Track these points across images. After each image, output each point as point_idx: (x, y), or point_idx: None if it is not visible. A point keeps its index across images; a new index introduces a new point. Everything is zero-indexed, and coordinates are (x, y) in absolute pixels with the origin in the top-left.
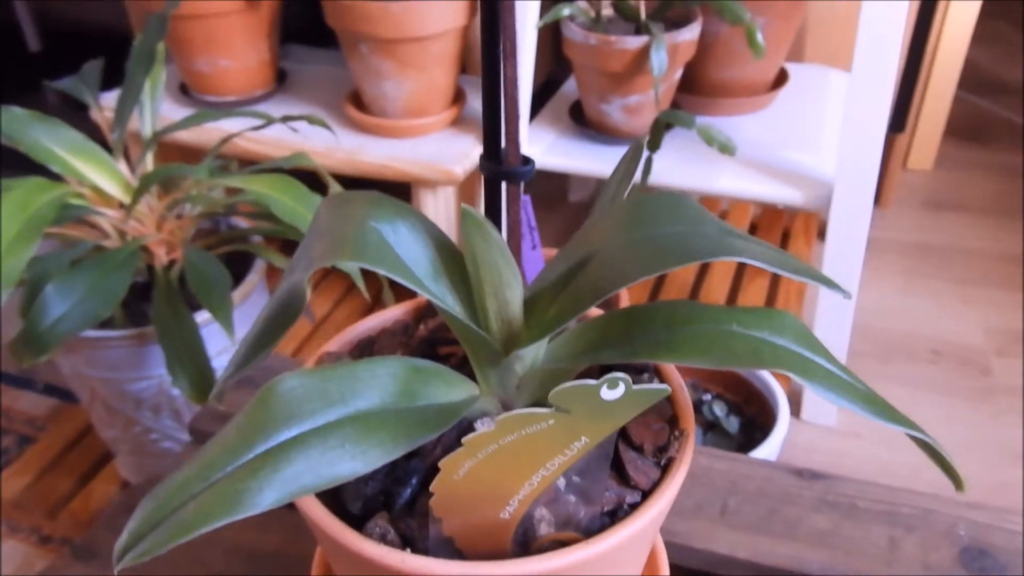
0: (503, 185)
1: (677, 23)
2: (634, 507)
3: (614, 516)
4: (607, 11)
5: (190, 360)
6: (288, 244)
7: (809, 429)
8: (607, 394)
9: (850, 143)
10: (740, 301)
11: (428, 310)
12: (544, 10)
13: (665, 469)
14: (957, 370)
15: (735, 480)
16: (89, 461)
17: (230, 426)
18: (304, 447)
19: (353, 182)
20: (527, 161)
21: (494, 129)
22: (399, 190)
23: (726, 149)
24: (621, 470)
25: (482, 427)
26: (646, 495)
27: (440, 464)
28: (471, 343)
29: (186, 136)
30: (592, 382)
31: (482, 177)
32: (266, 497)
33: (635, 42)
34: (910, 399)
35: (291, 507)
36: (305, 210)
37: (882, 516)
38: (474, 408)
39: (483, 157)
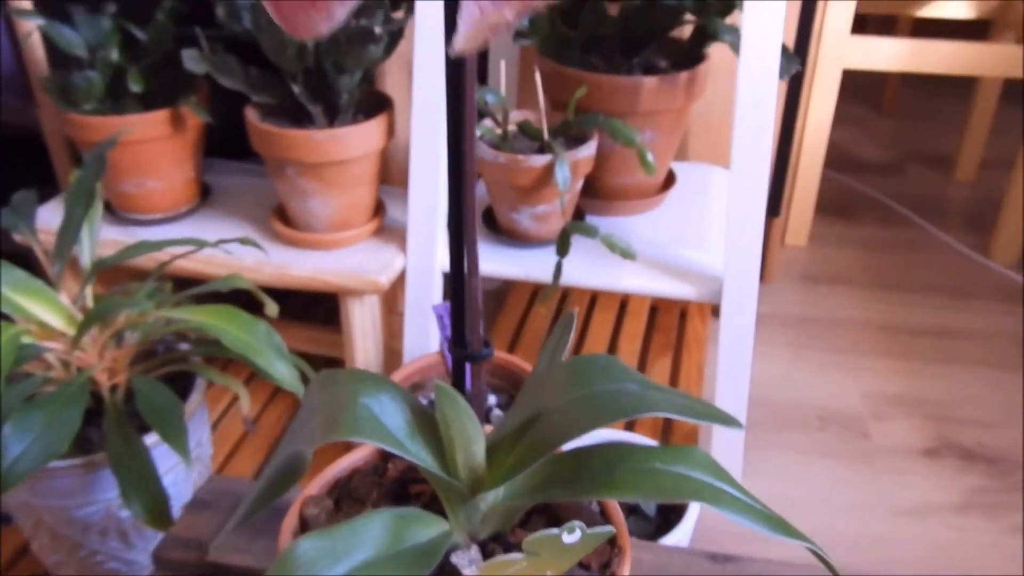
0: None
1: (577, 140)
2: None
3: None
4: (512, 127)
5: (143, 486)
6: (228, 363)
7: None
8: (567, 539)
9: (734, 241)
10: (648, 371)
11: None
12: None
13: None
14: (840, 435)
15: (659, 568)
16: None
17: None
18: None
19: (283, 294)
20: (487, 344)
21: (460, 322)
22: (327, 299)
23: (627, 255)
24: None
25: (468, 572)
26: None
27: None
28: (444, 489)
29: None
30: (555, 531)
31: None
32: None
33: (540, 160)
34: (802, 464)
35: None
36: (252, 339)
37: None
38: (449, 542)
39: (452, 342)
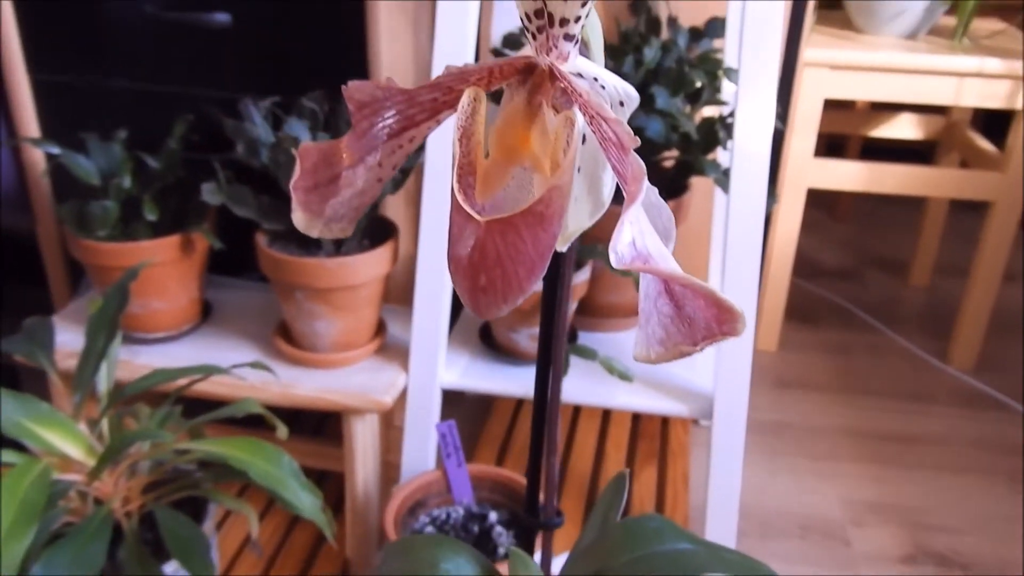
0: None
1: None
2: None
3: None
4: None
5: None
6: (244, 488)
7: None
8: None
9: (724, 361)
10: (635, 481)
11: None
12: None
13: None
14: (821, 543)
15: None
16: None
17: None
18: None
19: (289, 412)
20: (559, 513)
21: (534, 493)
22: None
23: (624, 377)
24: None
25: None
26: None
27: None
28: None
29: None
30: None
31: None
32: None
33: (539, 285)
34: (789, 573)
35: None
36: (277, 471)
37: None
38: None
39: (525, 510)
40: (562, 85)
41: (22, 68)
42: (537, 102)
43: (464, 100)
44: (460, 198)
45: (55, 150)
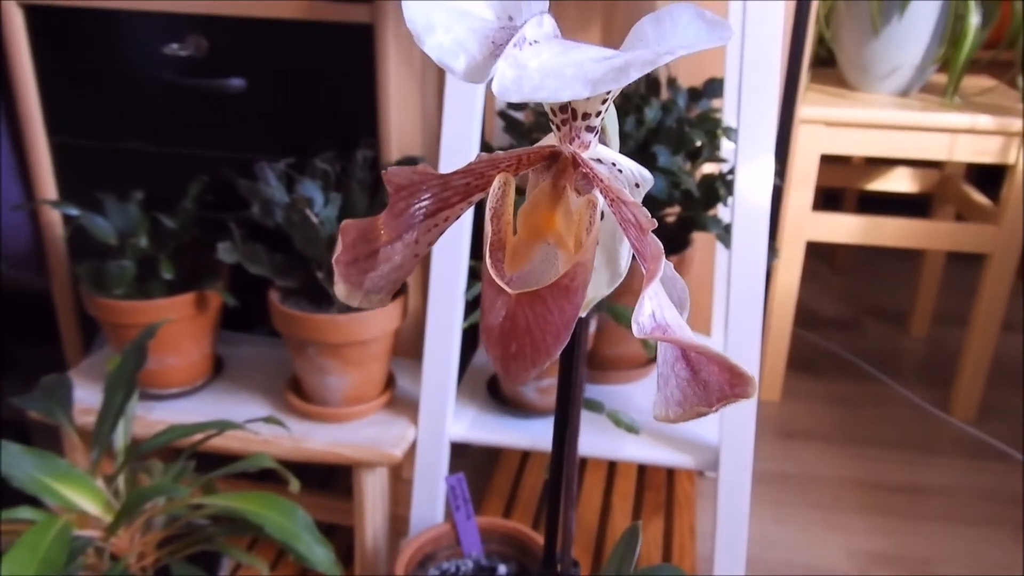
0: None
1: None
2: None
3: None
4: None
5: None
6: (254, 542)
7: None
8: None
9: (729, 412)
10: (644, 534)
11: None
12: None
13: None
14: None
15: None
16: None
17: None
18: None
19: (298, 464)
20: (576, 564)
21: (552, 545)
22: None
23: (631, 430)
24: None
25: None
26: None
27: None
28: None
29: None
30: None
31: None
32: None
33: None
34: None
35: None
36: (292, 526)
37: None
38: None
39: (543, 563)
40: (584, 171)
41: (41, 131)
42: (561, 186)
43: (495, 184)
44: (492, 272)
45: (74, 212)
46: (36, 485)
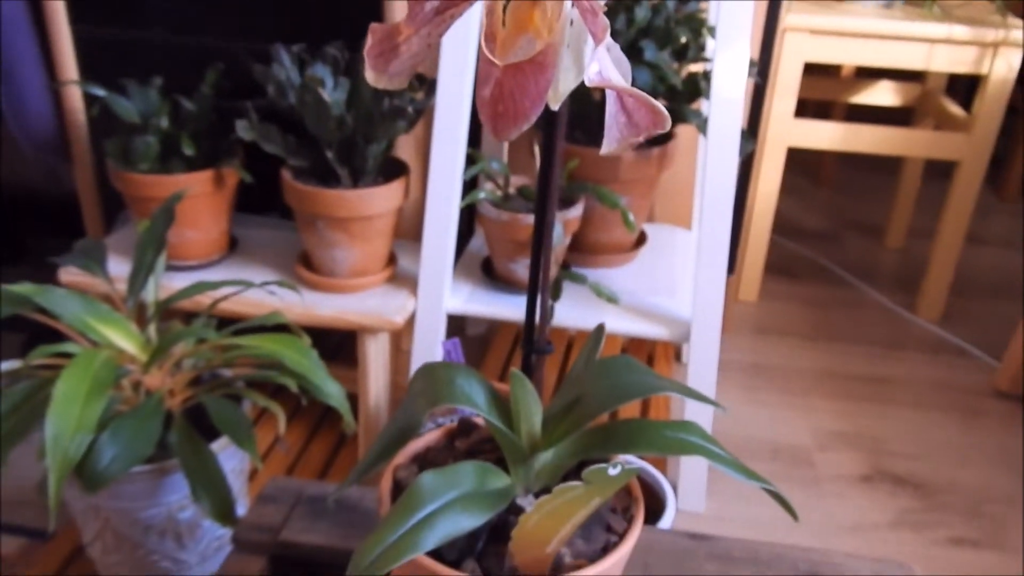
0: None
1: (567, 202)
2: (615, 544)
3: (605, 550)
4: (512, 191)
5: (212, 487)
6: (277, 389)
7: (683, 515)
8: (612, 471)
9: (702, 291)
10: (620, 411)
11: (457, 432)
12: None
13: (629, 522)
14: (790, 464)
15: (651, 544)
16: None
17: (399, 503)
18: (442, 513)
19: (308, 330)
20: (549, 343)
21: (531, 326)
22: (347, 333)
23: (611, 300)
24: (606, 524)
25: (529, 509)
26: (621, 537)
27: (520, 518)
28: (510, 449)
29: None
30: (604, 464)
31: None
32: (429, 541)
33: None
34: (758, 489)
35: None
36: (308, 362)
37: (750, 561)
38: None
39: (524, 339)
40: None
41: (64, 19)
42: None
43: None
44: (486, 51)
45: (100, 92)
46: (80, 323)
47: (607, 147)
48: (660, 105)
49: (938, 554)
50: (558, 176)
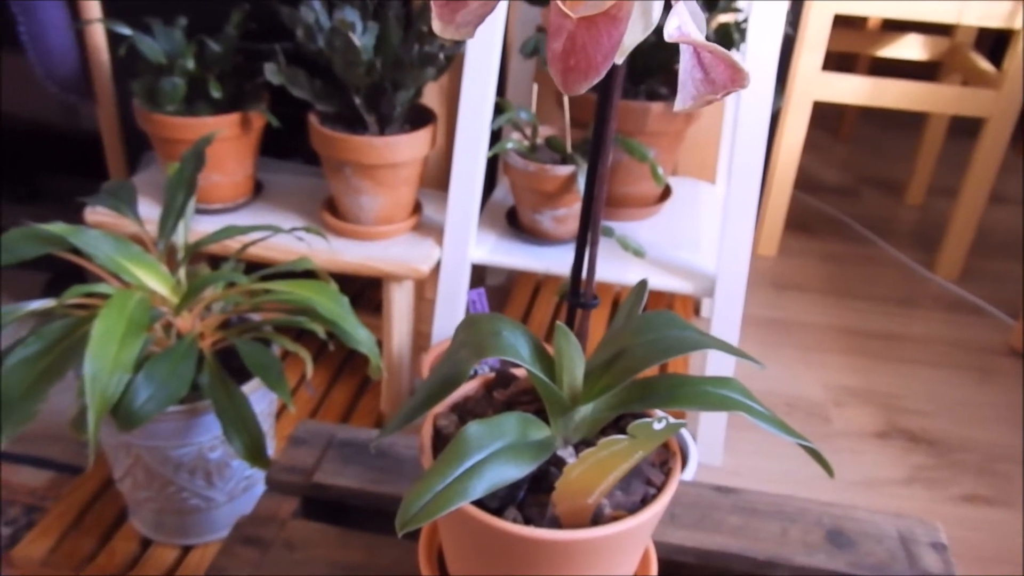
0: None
1: None
2: (654, 497)
3: (643, 502)
4: (540, 141)
5: (243, 427)
6: (302, 333)
7: (703, 469)
8: (657, 425)
9: (728, 246)
10: None
11: (496, 383)
12: (491, 142)
13: (667, 475)
14: (805, 419)
15: (677, 496)
16: (106, 523)
17: (446, 452)
18: (489, 462)
19: (335, 276)
20: (595, 296)
21: (577, 278)
22: (369, 281)
23: (638, 253)
24: (645, 477)
25: (570, 460)
26: (659, 490)
27: (564, 469)
28: (552, 400)
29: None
30: (648, 419)
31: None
32: (477, 490)
33: (564, 170)
34: (773, 443)
35: (396, 536)
36: (339, 308)
37: (774, 514)
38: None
39: (570, 293)
40: None
41: None
42: None
43: None
44: (560, 5)
45: (126, 31)
46: (113, 264)
47: (680, 104)
48: (740, 63)
49: (951, 511)
50: (612, 130)
